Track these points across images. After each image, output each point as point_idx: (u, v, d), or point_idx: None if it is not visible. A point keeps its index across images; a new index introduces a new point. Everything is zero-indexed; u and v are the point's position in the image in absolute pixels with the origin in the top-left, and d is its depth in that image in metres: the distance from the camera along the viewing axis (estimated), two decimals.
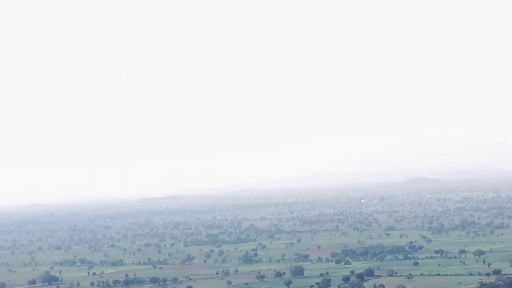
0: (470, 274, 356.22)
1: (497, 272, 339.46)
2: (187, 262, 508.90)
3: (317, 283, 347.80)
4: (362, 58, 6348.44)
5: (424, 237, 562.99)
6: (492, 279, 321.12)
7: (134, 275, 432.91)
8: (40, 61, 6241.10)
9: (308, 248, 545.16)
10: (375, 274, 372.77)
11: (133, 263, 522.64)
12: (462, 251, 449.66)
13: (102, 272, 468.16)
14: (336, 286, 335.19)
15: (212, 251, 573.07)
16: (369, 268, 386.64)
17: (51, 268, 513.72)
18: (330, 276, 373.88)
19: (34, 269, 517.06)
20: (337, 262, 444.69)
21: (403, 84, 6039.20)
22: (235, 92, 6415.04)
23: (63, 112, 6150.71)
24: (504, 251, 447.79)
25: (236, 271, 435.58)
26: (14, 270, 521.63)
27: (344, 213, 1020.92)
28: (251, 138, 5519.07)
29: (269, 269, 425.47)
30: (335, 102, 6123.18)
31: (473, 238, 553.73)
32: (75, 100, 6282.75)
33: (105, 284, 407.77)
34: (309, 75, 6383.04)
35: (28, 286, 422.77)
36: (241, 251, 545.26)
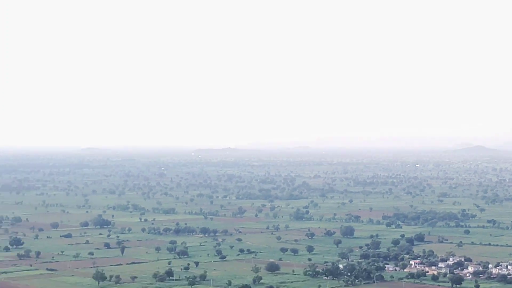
0: None
1: None
2: (238, 215, 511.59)
3: (367, 245, 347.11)
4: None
5: (477, 206, 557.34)
6: None
7: (185, 224, 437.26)
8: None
9: (359, 209, 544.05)
10: (425, 240, 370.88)
11: (184, 212, 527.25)
12: None
13: (154, 219, 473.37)
14: (386, 249, 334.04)
15: (263, 205, 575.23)
16: (420, 233, 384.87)
17: (104, 212, 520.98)
18: (380, 238, 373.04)
19: (87, 212, 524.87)
20: (388, 225, 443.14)
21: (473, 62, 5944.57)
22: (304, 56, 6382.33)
23: (125, 58, 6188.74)
24: None
25: (287, 227, 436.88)
26: (68, 212, 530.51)
27: (398, 176, 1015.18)
28: (312, 97, 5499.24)
29: (319, 228, 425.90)
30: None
31: None
32: (139, 47, 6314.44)
33: (156, 231, 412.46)
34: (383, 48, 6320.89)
35: (80, 228, 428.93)
36: (292, 208, 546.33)
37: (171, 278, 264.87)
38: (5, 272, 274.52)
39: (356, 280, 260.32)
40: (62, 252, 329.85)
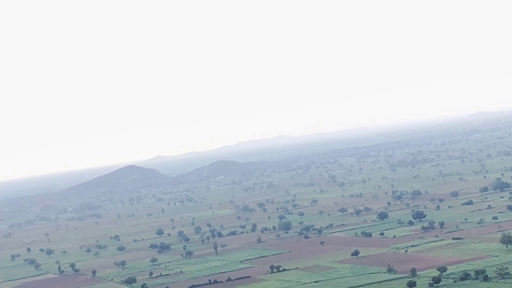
0: None
1: None
2: None
3: None
4: None
5: None
6: None
7: None
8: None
9: None
10: None
11: None
12: None
13: None
14: None
15: None
16: None
17: (502, 174, 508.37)
18: None
19: (484, 177, 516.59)
20: None
21: None
22: None
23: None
24: None
25: None
26: (465, 179, 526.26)
27: None
28: None
29: None
30: None
31: None
32: None
33: None
34: None
35: (480, 193, 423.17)
36: None
37: None
38: (412, 246, 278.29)
39: None
40: (465, 220, 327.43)
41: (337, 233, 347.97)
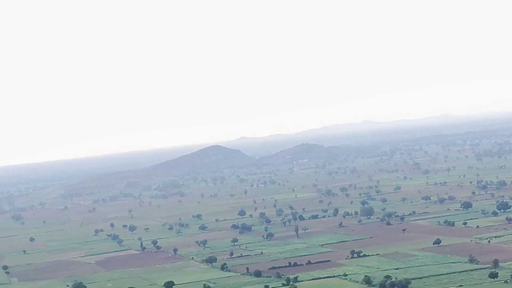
0: None
1: None
2: None
3: None
4: None
5: None
6: None
7: None
8: None
9: None
10: None
11: None
12: None
13: None
14: None
15: None
16: None
17: None
18: None
19: None
20: None
21: None
22: None
23: None
24: None
25: None
26: None
27: None
28: None
29: None
30: None
31: None
32: None
33: None
34: None
35: None
36: None
37: None
38: (496, 237, 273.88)
39: None
40: None
41: (420, 221, 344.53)
